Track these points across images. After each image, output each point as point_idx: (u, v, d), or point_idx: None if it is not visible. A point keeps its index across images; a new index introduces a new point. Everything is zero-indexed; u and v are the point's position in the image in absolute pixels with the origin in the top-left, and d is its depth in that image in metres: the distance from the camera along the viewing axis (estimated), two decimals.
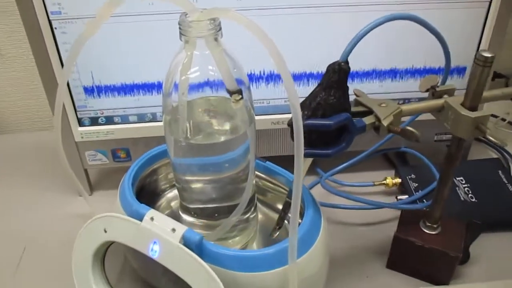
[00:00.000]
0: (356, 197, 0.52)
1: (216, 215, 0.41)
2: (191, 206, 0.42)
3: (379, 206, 0.52)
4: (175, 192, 0.50)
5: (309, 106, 0.34)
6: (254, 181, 0.41)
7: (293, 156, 0.29)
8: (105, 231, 0.37)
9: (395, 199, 0.55)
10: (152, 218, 0.36)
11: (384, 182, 0.57)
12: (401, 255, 0.46)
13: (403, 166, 0.60)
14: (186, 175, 0.40)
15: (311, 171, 0.57)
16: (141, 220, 0.35)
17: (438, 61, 0.54)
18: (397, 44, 0.52)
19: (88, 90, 0.51)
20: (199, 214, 0.42)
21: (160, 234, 0.34)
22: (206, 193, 0.41)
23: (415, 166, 0.59)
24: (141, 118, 0.54)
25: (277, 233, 0.41)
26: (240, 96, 0.34)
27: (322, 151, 0.35)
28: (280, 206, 0.47)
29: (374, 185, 0.57)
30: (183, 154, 0.38)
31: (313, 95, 0.35)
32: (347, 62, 0.34)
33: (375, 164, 0.62)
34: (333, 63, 0.34)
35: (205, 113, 0.38)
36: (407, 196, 0.55)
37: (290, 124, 0.35)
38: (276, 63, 0.27)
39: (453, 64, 0.53)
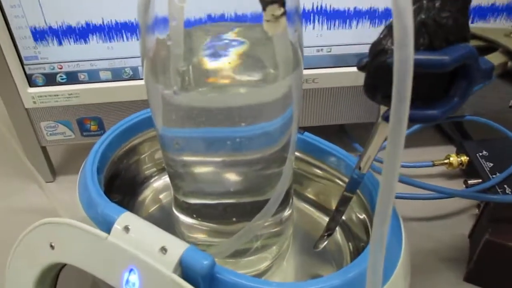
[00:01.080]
0: (419, 182, 0.38)
1: (234, 218, 0.26)
2: (191, 201, 0.27)
3: (455, 194, 0.38)
4: (166, 179, 0.35)
5: None
6: (293, 164, 0.26)
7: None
8: (52, 247, 0.24)
9: (463, 185, 0.41)
10: (126, 228, 0.22)
11: (447, 161, 0.43)
12: (490, 266, 0.34)
13: (467, 141, 0.46)
14: (182, 154, 0.25)
15: (344, 145, 0.42)
16: (109, 230, 0.22)
17: None
18: None
19: (39, 34, 0.37)
20: (205, 215, 0.27)
21: (140, 257, 0.21)
22: (218, 183, 0.25)
23: (485, 140, 0.45)
24: (117, 75, 0.40)
25: (325, 242, 0.27)
26: (282, 10, 0.19)
27: (427, 111, 0.20)
28: (319, 200, 0.33)
29: (434, 165, 0.43)
30: (178, 121, 0.23)
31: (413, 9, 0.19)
32: None
33: (423, 138, 0.48)
34: None
35: (217, 49, 0.22)
36: (480, 181, 0.41)
37: (365, 65, 0.20)
38: None
39: None
